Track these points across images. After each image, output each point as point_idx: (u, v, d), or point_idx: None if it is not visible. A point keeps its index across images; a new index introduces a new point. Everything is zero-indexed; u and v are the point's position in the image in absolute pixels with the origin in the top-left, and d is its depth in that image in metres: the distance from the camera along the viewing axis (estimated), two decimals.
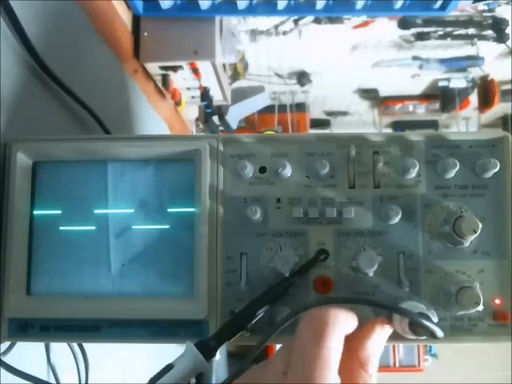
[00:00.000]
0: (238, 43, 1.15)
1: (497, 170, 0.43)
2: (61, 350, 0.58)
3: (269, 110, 1.69)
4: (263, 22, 1.38)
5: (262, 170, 0.45)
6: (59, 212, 0.46)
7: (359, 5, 0.88)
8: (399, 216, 0.43)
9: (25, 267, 0.45)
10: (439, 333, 0.37)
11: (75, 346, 0.60)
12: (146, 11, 0.88)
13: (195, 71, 0.98)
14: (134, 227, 0.46)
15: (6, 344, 0.47)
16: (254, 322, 0.41)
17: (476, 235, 0.41)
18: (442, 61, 1.65)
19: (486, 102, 1.79)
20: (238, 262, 0.44)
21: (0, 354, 0.47)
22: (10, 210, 0.45)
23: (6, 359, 0.47)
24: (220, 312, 0.44)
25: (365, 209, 0.44)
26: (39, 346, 0.54)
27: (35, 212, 0.46)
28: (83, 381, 0.62)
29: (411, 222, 0.44)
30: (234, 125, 1.27)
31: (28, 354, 0.52)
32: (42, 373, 0.55)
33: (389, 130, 2.26)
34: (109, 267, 0.45)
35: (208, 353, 0.38)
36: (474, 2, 1.24)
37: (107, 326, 0.44)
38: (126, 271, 0.45)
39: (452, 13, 0.93)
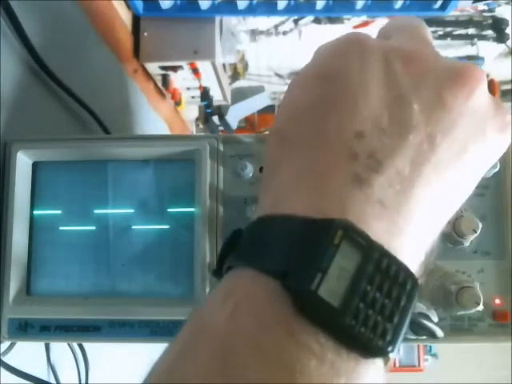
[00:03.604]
0: (237, 43, 1.15)
1: (497, 169, 0.43)
2: (61, 350, 0.58)
3: (269, 109, 1.69)
4: (263, 21, 1.38)
5: (262, 170, 0.45)
6: (59, 212, 0.46)
7: (359, 5, 0.88)
8: None
9: (25, 267, 0.45)
10: (439, 333, 0.37)
11: (75, 345, 0.60)
12: (146, 11, 0.88)
13: (195, 71, 0.98)
14: (133, 227, 0.46)
15: (6, 344, 0.47)
16: None
17: (476, 235, 0.41)
18: None
19: None
20: None
21: (0, 354, 0.47)
22: (10, 210, 0.45)
23: (6, 359, 0.47)
24: None
25: None
26: (39, 346, 0.54)
27: (35, 212, 0.46)
28: (83, 381, 0.62)
29: None
30: (234, 125, 1.27)
31: (28, 354, 0.52)
32: (42, 373, 0.55)
33: None
34: (109, 267, 0.45)
35: None
36: (473, 2, 1.24)
37: (107, 326, 0.44)
38: (126, 271, 0.45)
39: (452, 13, 0.93)
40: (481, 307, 0.40)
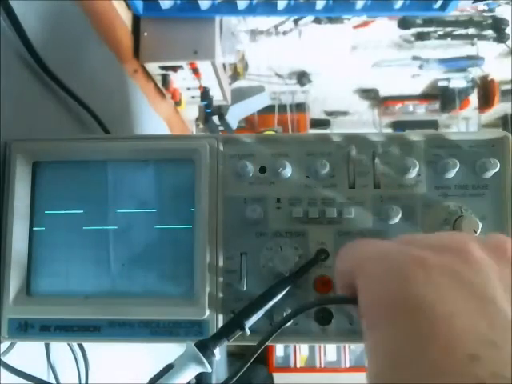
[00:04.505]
0: (237, 43, 1.15)
1: (497, 170, 0.43)
2: (61, 349, 0.58)
3: (269, 109, 1.69)
4: (263, 21, 1.38)
5: (262, 169, 0.45)
6: (59, 212, 0.46)
7: (359, 5, 0.88)
8: (399, 216, 0.43)
9: (25, 267, 0.45)
10: None
11: (75, 345, 0.60)
12: (146, 11, 0.88)
13: (195, 71, 0.98)
14: (133, 227, 0.46)
15: (6, 344, 0.47)
16: (253, 322, 0.41)
17: (476, 235, 0.41)
18: (442, 61, 1.66)
19: (486, 102, 1.80)
20: (238, 262, 0.44)
21: (0, 354, 0.47)
22: (10, 210, 0.45)
23: (6, 359, 0.47)
24: (220, 312, 0.44)
25: (365, 209, 0.44)
26: (39, 345, 0.54)
27: (35, 212, 0.46)
28: (83, 381, 0.62)
29: (411, 222, 0.44)
30: (234, 125, 1.27)
31: (28, 354, 0.52)
32: (41, 373, 0.55)
33: (389, 130, 2.26)
34: (109, 267, 0.45)
35: (208, 353, 0.38)
36: (474, 2, 1.25)
37: (107, 326, 0.44)
38: (126, 271, 0.45)
39: (452, 13, 0.93)
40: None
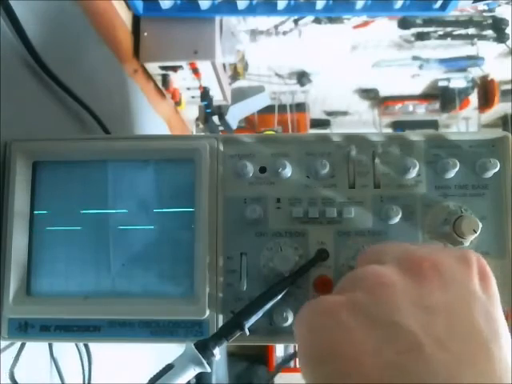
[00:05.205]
0: (237, 43, 1.15)
1: (497, 169, 0.43)
2: (64, 347, 0.58)
3: (269, 109, 1.69)
4: (263, 21, 1.38)
5: (262, 169, 0.45)
6: (59, 212, 0.46)
7: (359, 5, 0.88)
8: (399, 216, 0.43)
9: (25, 267, 0.45)
10: None
11: (80, 344, 0.60)
12: (146, 11, 0.88)
13: (195, 71, 0.98)
14: (134, 227, 0.46)
15: (8, 346, 0.47)
16: (253, 322, 0.41)
17: (476, 235, 0.41)
18: (442, 61, 1.65)
19: (486, 102, 1.79)
20: (238, 262, 0.44)
21: (0, 354, 0.47)
22: (10, 209, 0.45)
23: (7, 358, 0.47)
24: (220, 312, 0.44)
25: (365, 209, 0.44)
26: (42, 343, 0.54)
27: (35, 212, 0.46)
28: (87, 379, 0.62)
29: (411, 222, 0.44)
30: (234, 125, 1.27)
31: (31, 352, 0.52)
32: (45, 369, 0.55)
33: (389, 130, 2.26)
34: (109, 267, 0.45)
35: (208, 353, 0.38)
36: (473, 2, 1.25)
37: (107, 326, 0.44)
38: (126, 271, 0.45)
39: (452, 13, 0.93)
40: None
